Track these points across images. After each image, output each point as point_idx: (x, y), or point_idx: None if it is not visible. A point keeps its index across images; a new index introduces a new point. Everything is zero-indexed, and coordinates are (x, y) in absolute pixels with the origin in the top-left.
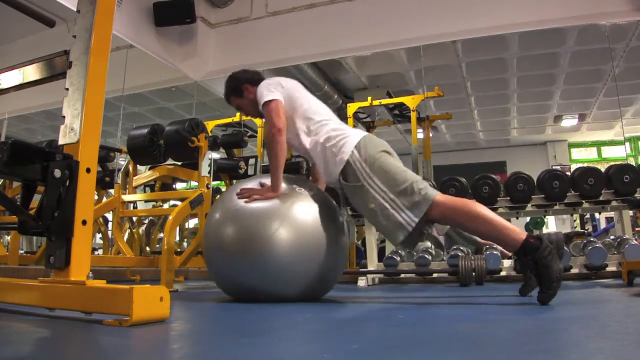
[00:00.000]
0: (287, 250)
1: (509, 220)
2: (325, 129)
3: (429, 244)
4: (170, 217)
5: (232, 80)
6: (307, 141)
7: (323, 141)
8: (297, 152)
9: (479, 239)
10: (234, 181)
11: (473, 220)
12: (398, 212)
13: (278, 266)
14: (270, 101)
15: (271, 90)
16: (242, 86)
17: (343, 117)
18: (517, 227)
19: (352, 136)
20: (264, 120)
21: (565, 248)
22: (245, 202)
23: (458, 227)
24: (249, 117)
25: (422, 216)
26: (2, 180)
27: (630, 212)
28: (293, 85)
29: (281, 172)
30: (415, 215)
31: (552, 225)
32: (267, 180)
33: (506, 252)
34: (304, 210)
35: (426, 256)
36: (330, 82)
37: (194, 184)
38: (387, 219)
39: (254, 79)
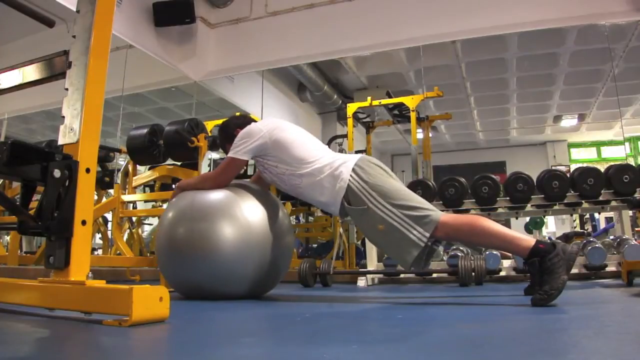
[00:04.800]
0: (233, 248)
1: (508, 220)
2: (319, 163)
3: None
4: None
5: (224, 128)
6: (298, 181)
7: (317, 174)
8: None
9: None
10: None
11: (479, 236)
12: (408, 230)
13: (224, 263)
14: (234, 159)
15: (247, 146)
16: (234, 132)
17: (343, 117)
18: (526, 235)
19: (348, 162)
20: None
21: None
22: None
23: (466, 243)
24: None
25: (432, 232)
26: (2, 180)
27: (630, 212)
28: (281, 127)
29: (195, 187)
30: (425, 230)
31: (551, 225)
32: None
33: (506, 252)
34: (251, 209)
35: None
36: (330, 82)
37: None
38: (398, 238)
39: (244, 123)
